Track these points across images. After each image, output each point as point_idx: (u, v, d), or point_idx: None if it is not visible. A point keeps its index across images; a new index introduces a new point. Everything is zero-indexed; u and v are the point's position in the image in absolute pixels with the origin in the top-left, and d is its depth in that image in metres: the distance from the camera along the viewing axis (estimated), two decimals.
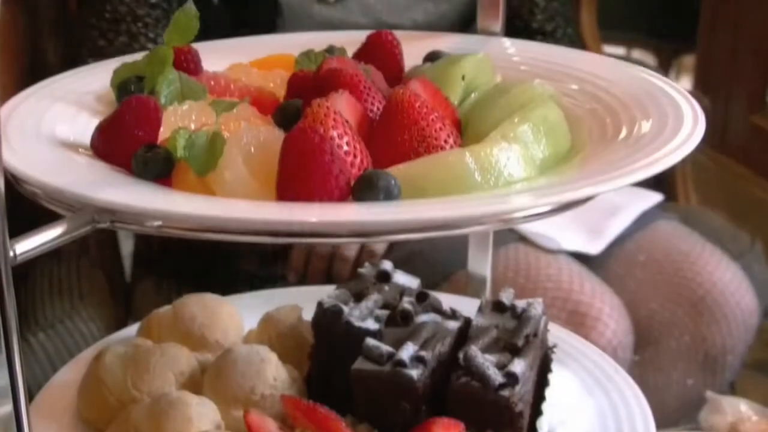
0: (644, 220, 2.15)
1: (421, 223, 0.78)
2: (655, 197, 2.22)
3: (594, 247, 2.07)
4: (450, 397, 1.03)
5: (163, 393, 1.04)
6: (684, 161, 2.50)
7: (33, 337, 1.98)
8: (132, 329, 1.23)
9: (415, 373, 1.03)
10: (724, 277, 2.06)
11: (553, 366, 1.13)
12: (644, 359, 2.02)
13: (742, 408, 1.66)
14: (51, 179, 0.83)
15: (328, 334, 1.12)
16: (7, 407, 0.77)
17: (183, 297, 1.20)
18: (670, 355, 2.03)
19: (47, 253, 2.06)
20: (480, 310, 1.13)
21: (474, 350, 1.03)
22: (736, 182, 3.06)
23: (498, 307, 1.12)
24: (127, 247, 2.45)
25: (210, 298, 1.20)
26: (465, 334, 1.10)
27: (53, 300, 2.09)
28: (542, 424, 1.08)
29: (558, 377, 1.14)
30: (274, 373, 1.08)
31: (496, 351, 1.06)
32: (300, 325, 1.18)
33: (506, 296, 1.12)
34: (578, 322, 1.85)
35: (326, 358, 1.12)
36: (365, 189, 0.83)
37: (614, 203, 2.19)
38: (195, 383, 1.09)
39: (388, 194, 0.83)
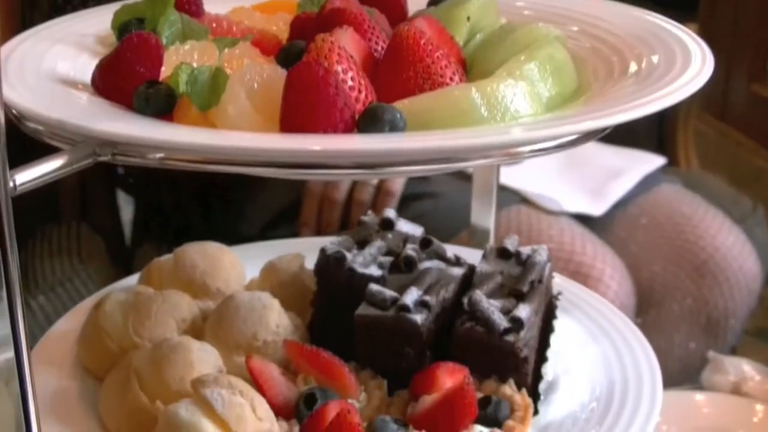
0: (647, 183, 2.14)
1: (427, 152, 0.77)
2: (657, 161, 2.21)
3: (596, 209, 2.06)
4: (454, 342, 1.02)
5: (165, 338, 1.03)
6: (685, 128, 2.48)
7: (33, 300, 1.97)
8: (132, 279, 1.22)
9: (419, 317, 1.02)
10: (727, 240, 2.05)
11: (558, 314, 1.12)
12: (646, 322, 2.01)
13: (745, 368, 1.66)
14: (52, 113, 0.82)
15: (330, 281, 1.11)
16: (9, 354, 0.76)
17: (184, 245, 1.18)
18: (672, 318, 2.03)
19: (46, 217, 2.05)
20: (484, 256, 1.12)
21: (479, 295, 1.02)
22: (737, 151, 3.05)
23: (502, 253, 1.11)
24: (127, 212, 2.44)
25: (211, 246, 1.19)
26: (469, 280, 1.09)
27: (53, 264, 2.09)
28: (547, 370, 1.07)
29: (563, 325, 1.13)
30: (276, 320, 1.07)
31: (501, 297, 1.05)
32: (302, 273, 1.17)
33: (510, 243, 1.11)
34: (580, 283, 1.83)
35: (329, 306, 1.11)
36: (370, 122, 0.82)
37: (617, 166, 2.18)
38: (196, 330, 1.08)
39: (394, 127, 0.82)
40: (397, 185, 1.85)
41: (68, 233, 2.18)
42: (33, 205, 2.23)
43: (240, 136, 0.80)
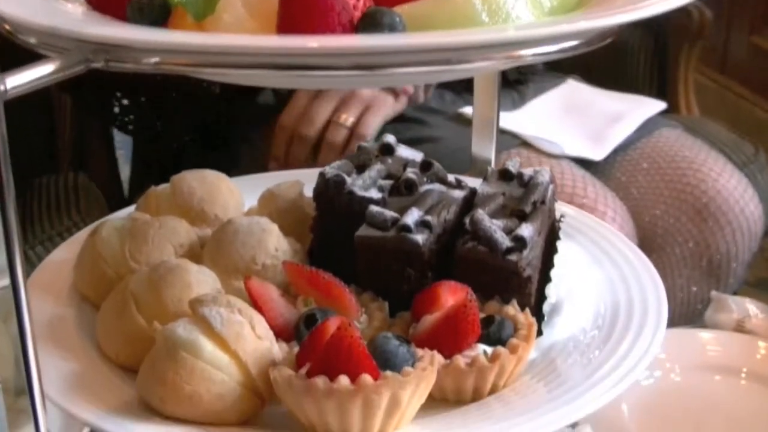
0: (647, 127, 2.12)
1: (427, 49, 0.75)
2: (658, 105, 2.19)
3: (597, 153, 2.05)
4: (456, 263, 1.01)
5: (162, 260, 1.01)
6: (686, 80, 2.46)
7: (31, 250, 1.96)
8: (130, 209, 1.21)
9: (420, 238, 1.00)
10: (729, 183, 2.03)
11: (561, 239, 1.10)
12: None
13: (748, 306, 1.65)
14: (43, 20, 0.80)
15: (330, 205, 1.09)
16: (5, 282, 0.74)
17: (181, 173, 1.17)
18: (673, 262, 2.02)
19: (43, 169, 2.03)
20: (485, 179, 1.10)
21: (481, 214, 1.01)
22: (738, 103, 3.03)
23: (504, 175, 1.10)
24: (125, 166, 2.43)
25: (209, 173, 1.17)
26: (470, 202, 1.07)
27: (51, 215, 2.07)
28: (551, 292, 1.06)
29: (566, 250, 1.11)
30: (275, 244, 1.06)
31: (503, 217, 1.03)
32: (301, 200, 1.15)
33: (512, 164, 1.10)
34: None
35: (328, 230, 1.10)
36: (369, 26, 0.80)
37: (617, 111, 2.16)
38: (194, 256, 1.07)
39: (393, 31, 0.80)
40: (371, 129, 1.83)
41: (65, 184, 2.16)
42: (29, 157, 2.21)
43: (236, 36, 0.78)
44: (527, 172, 1.09)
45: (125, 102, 2.08)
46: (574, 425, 1.22)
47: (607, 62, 2.59)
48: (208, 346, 0.89)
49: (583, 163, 2.01)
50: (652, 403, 1.50)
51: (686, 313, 2.01)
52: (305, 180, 1.19)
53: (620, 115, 2.13)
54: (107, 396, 0.93)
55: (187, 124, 2.00)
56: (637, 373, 0.95)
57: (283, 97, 1.94)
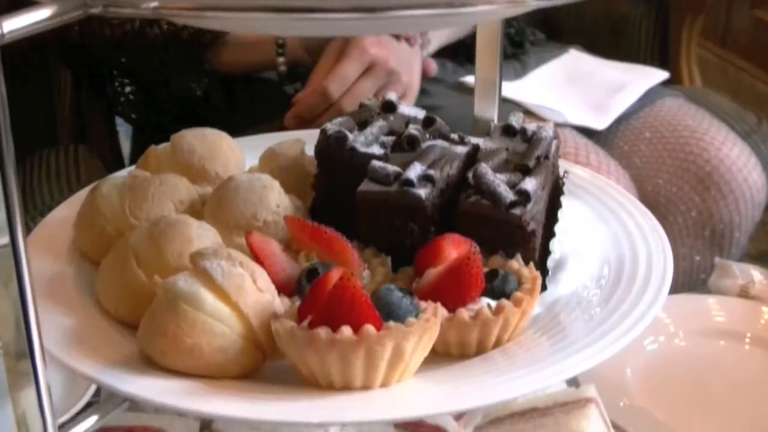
0: (650, 96, 2.11)
1: None
2: (661, 74, 2.18)
3: (600, 122, 2.04)
4: (459, 217, 1.00)
5: (162, 216, 1.00)
6: (688, 53, 2.44)
7: (31, 221, 1.95)
8: (130, 169, 1.20)
9: (423, 192, 0.99)
10: (732, 152, 2.02)
11: (565, 197, 1.09)
12: None
13: (752, 272, 1.64)
14: None
15: (331, 161, 1.08)
16: (5, 239, 0.73)
17: (181, 131, 1.16)
18: (676, 231, 2.01)
19: (43, 141, 2.02)
20: (488, 134, 1.09)
21: (484, 167, 1.00)
22: (740, 76, 3.02)
23: (507, 131, 1.09)
24: (126, 144, 2.42)
25: (209, 132, 1.16)
26: (473, 158, 1.06)
27: (51, 187, 2.06)
28: (555, 248, 1.04)
29: (570, 207, 1.10)
30: (276, 200, 1.05)
31: (507, 172, 1.02)
32: (302, 158, 1.14)
33: (515, 120, 1.09)
34: None
35: (330, 187, 1.09)
36: None
37: (619, 81, 2.15)
38: (195, 213, 1.06)
39: None
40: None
41: (66, 156, 2.16)
42: (28, 130, 2.20)
43: None
44: (530, 127, 1.08)
45: (127, 89, 2.07)
46: (578, 385, 1.21)
47: (609, 37, 2.58)
48: (209, 298, 0.88)
49: (586, 132, 2.00)
50: (657, 367, 1.49)
51: (689, 282, 2.00)
52: (307, 140, 1.18)
53: (622, 84, 2.12)
54: (107, 351, 0.92)
55: (187, 113, 1.99)
56: (641, 327, 0.94)
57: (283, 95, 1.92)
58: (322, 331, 0.84)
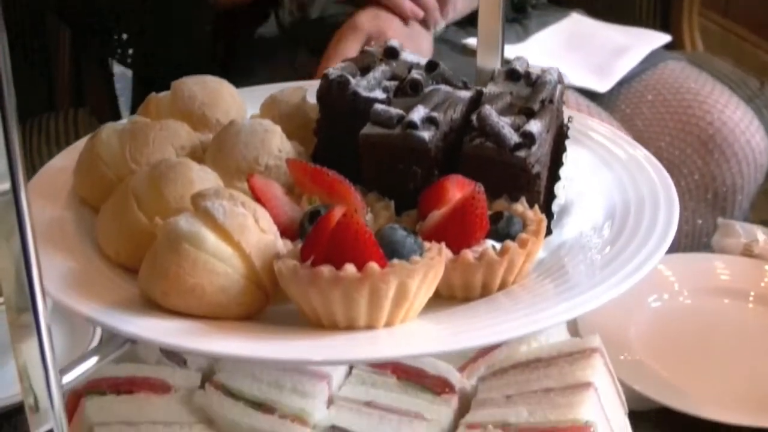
0: (652, 59, 2.10)
1: None
2: (663, 38, 2.17)
3: (602, 85, 2.02)
4: (463, 160, 0.99)
5: (163, 158, 0.99)
6: (690, 21, 2.43)
7: None
8: (130, 118, 1.18)
9: (426, 134, 0.98)
10: (734, 115, 2.01)
11: (570, 144, 1.08)
12: None
13: (756, 231, 1.63)
14: None
15: (333, 106, 1.07)
16: (6, 185, 0.72)
17: (182, 78, 1.14)
18: (678, 194, 1.98)
19: (42, 106, 2.00)
20: (492, 79, 1.08)
21: (488, 109, 0.98)
22: (741, 45, 3.00)
23: (511, 75, 1.07)
24: (125, 113, 2.40)
25: (210, 79, 1.14)
26: (477, 103, 1.05)
27: (51, 150, 2.05)
28: (559, 192, 1.03)
29: (575, 154, 1.09)
30: (278, 144, 1.04)
31: (511, 115, 1.01)
32: (304, 105, 1.13)
33: (520, 64, 1.08)
34: None
35: (332, 133, 1.08)
36: None
37: (621, 44, 2.14)
38: (196, 159, 1.04)
39: None
40: None
41: (65, 120, 2.14)
42: (27, 95, 2.19)
43: None
44: (535, 71, 1.07)
45: (124, 36, 2.05)
46: (581, 336, 1.21)
47: (610, 3, 2.56)
48: (210, 238, 0.87)
49: (588, 95, 1.98)
50: (660, 324, 1.49)
51: (691, 245, 1.99)
52: (309, 90, 1.17)
53: (625, 47, 2.11)
54: (108, 293, 0.91)
55: (186, 57, 1.98)
56: (647, 270, 0.93)
57: (288, 31, 1.91)
58: (326, 269, 0.83)
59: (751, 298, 1.55)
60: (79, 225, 1.03)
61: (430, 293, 0.88)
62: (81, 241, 1.00)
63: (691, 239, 1.97)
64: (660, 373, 1.38)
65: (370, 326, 0.86)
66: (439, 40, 1.98)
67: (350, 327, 0.86)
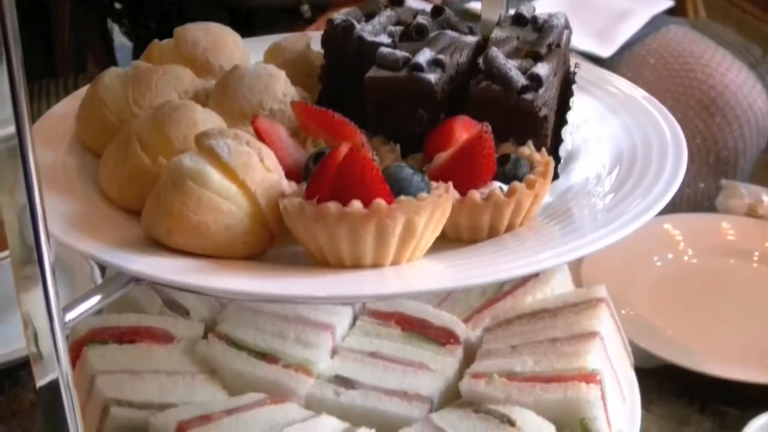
0: (655, 24, 2.09)
1: None
2: (665, 2, 2.15)
3: (604, 50, 2.01)
4: (470, 103, 0.97)
5: (167, 101, 0.98)
6: None
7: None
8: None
9: (433, 77, 0.97)
10: (737, 79, 2.00)
11: (577, 93, 1.07)
12: None
13: (761, 191, 1.63)
14: None
15: (338, 51, 1.06)
16: (11, 129, 0.71)
17: (185, 24, 1.13)
18: None
19: (43, 73, 1.98)
20: (498, 24, 1.07)
21: (495, 52, 0.97)
22: (744, 17, 2.98)
23: (518, 20, 1.06)
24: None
25: (214, 25, 1.13)
26: (483, 48, 1.04)
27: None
28: (567, 135, 1.02)
29: (582, 102, 1.08)
30: (283, 89, 1.03)
31: (518, 58, 1.00)
32: (309, 52, 1.12)
33: (526, 9, 1.06)
34: None
35: (337, 78, 1.07)
36: None
37: (624, 8, 2.13)
38: (200, 103, 1.03)
39: None
40: None
41: (66, 87, 2.13)
42: (28, 62, 2.17)
43: None
44: (541, 16, 1.05)
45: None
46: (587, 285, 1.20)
47: None
48: (215, 175, 0.86)
49: (591, 59, 1.97)
50: (664, 282, 1.49)
51: (693, 209, 1.97)
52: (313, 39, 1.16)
53: (627, 11, 2.10)
54: (111, 233, 0.90)
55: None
56: (654, 211, 0.92)
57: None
58: (332, 205, 0.82)
59: (755, 258, 1.55)
60: (81, 170, 1.02)
61: (437, 232, 0.87)
62: (84, 185, 0.99)
63: (693, 203, 1.96)
64: (664, 331, 1.37)
65: (376, 264, 0.84)
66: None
67: (356, 265, 0.85)
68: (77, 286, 1.42)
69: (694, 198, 1.97)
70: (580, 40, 1.95)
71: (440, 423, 1.04)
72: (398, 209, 0.82)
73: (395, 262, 0.85)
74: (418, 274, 0.85)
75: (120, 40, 2.30)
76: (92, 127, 1.03)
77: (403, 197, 0.83)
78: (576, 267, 1.39)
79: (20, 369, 1.32)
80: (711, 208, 1.73)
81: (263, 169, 0.88)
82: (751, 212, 1.62)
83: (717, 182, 1.95)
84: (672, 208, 1.59)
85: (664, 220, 1.57)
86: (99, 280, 1.42)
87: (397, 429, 1.05)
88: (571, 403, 1.04)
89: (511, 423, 1.02)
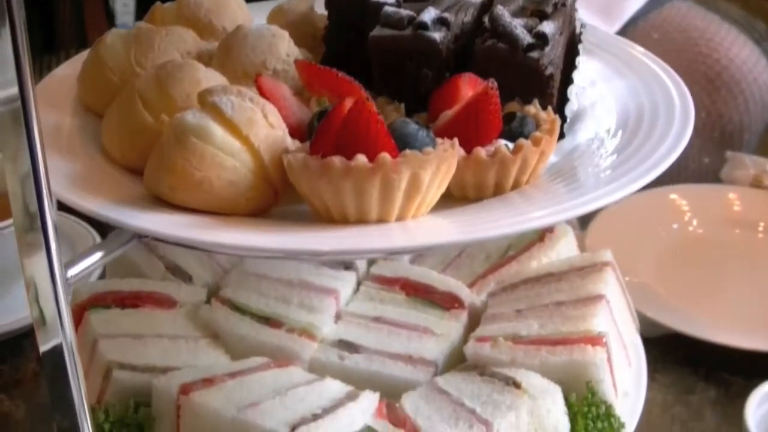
0: (659, 0, 2.07)
1: None
2: None
3: (610, 26, 2.00)
4: (475, 62, 0.96)
5: (169, 60, 0.97)
6: None
7: None
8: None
9: (437, 35, 0.96)
10: (742, 52, 1.99)
11: (583, 55, 1.05)
12: None
13: (765, 163, 1.62)
14: None
15: (342, 12, 1.05)
16: (13, 90, 0.70)
17: None
18: None
19: (43, 48, 1.96)
20: None
21: (501, 9, 0.96)
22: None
23: None
24: None
25: None
26: (488, 8, 1.03)
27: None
28: (572, 94, 1.01)
29: (588, 64, 1.07)
30: (286, 49, 1.02)
31: (524, 17, 0.99)
32: (312, 14, 1.11)
33: None
34: None
35: (341, 39, 1.06)
36: None
37: None
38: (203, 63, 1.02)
39: None
40: None
41: (67, 59, 2.12)
42: (29, 36, 2.16)
43: None
44: None
45: None
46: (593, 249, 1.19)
47: None
48: (218, 131, 0.85)
49: None
50: (669, 251, 1.48)
51: (698, 183, 1.96)
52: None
53: None
54: (114, 191, 0.89)
55: None
56: (660, 170, 0.90)
57: None
58: (337, 159, 0.81)
59: (760, 228, 1.54)
60: (83, 131, 1.01)
61: (443, 189, 0.86)
62: (86, 146, 0.99)
63: (698, 177, 1.94)
64: (669, 300, 1.36)
65: (381, 220, 0.84)
66: None
67: (361, 221, 0.84)
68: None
69: (699, 172, 1.95)
70: (585, 16, 1.93)
71: (445, 386, 1.04)
72: (403, 163, 0.81)
73: (400, 218, 0.84)
74: (423, 230, 0.84)
75: (122, 20, 2.29)
76: (94, 88, 1.03)
77: (408, 151, 0.82)
78: (581, 237, 1.38)
79: (23, 339, 1.32)
80: (716, 181, 1.72)
81: (267, 125, 0.87)
82: (756, 183, 1.61)
83: (722, 156, 1.94)
84: (677, 181, 1.58)
85: (670, 190, 1.56)
86: None
87: (402, 392, 1.04)
88: (576, 366, 1.03)
89: (517, 385, 1.01)
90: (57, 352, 0.77)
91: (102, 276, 1.29)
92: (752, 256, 1.49)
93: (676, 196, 1.57)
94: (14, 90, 0.69)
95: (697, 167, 1.94)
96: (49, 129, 0.98)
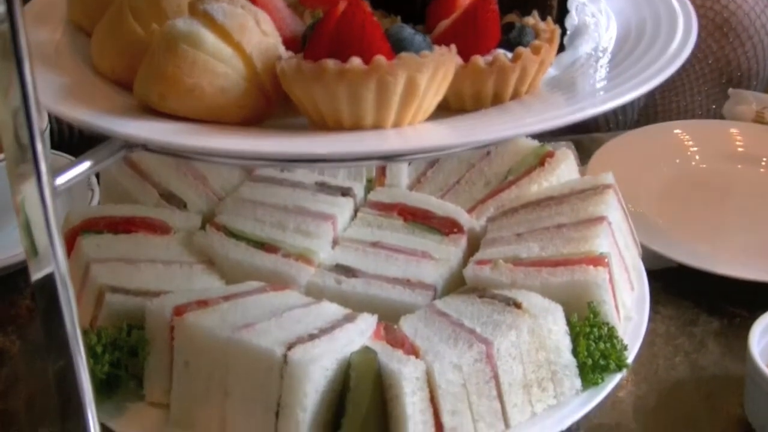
0: None
1: None
2: None
3: None
4: None
5: None
6: None
7: None
8: None
9: None
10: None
11: None
12: (665, 83, 1.93)
13: (767, 99, 1.60)
14: None
15: None
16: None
17: None
18: (693, 79, 1.95)
19: None
20: None
21: None
22: None
23: None
24: None
25: None
26: None
27: None
28: (572, 5, 0.98)
29: None
30: None
31: None
32: None
33: None
34: None
35: None
36: None
37: None
38: None
39: None
40: None
41: None
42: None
43: None
44: None
45: None
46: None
47: None
48: (209, 37, 0.83)
49: None
50: (670, 185, 1.46)
51: None
52: None
53: None
54: (104, 102, 0.87)
55: None
56: (659, 79, 0.88)
57: None
58: (331, 62, 0.79)
59: (763, 164, 1.52)
60: (73, 48, 0.99)
61: (440, 95, 0.84)
62: (75, 61, 0.96)
63: None
64: (671, 232, 1.35)
65: (377, 126, 0.81)
66: None
67: (357, 128, 0.81)
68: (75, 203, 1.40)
69: (706, 119, 1.93)
70: None
71: (444, 308, 1.02)
72: (400, 65, 0.79)
73: (397, 124, 0.82)
74: (419, 134, 0.82)
75: None
76: (83, 4, 1.00)
77: (404, 54, 0.80)
78: (582, 171, 1.36)
79: (17, 276, 1.31)
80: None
81: (260, 32, 0.85)
82: (759, 119, 1.59)
83: None
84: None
85: (673, 125, 1.54)
86: None
87: (400, 316, 1.02)
88: (578, 287, 1.01)
89: (517, 305, 0.99)
90: (49, 279, 0.75)
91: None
92: (755, 191, 1.47)
93: (679, 130, 1.55)
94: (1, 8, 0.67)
95: (704, 114, 1.92)
96: (37, 45, 0.96)
